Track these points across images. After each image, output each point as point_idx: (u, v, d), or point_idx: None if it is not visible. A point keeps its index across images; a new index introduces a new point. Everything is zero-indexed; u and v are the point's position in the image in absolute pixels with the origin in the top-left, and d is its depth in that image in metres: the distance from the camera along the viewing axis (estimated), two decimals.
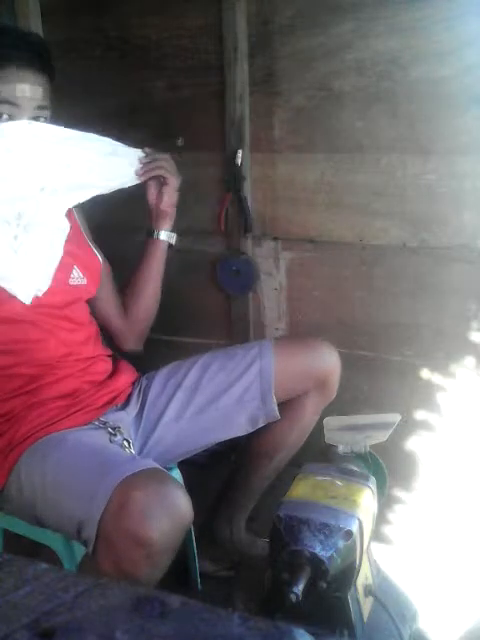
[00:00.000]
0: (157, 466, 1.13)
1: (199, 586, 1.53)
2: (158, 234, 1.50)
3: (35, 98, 1.22)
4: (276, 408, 1.43)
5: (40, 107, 1.24)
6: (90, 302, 1.46)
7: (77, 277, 1.37)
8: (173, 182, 1.44)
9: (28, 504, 1.19)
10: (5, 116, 1.21)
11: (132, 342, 1.58)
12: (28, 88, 1.20)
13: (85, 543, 1.09)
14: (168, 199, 1.45)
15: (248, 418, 1.44)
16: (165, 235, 1.50)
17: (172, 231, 1.51)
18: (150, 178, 1.41)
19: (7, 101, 1.20)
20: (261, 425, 1.45)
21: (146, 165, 1.39)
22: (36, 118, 1.23)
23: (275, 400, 1.43)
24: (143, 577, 1.02)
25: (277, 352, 1.45)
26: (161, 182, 1.43)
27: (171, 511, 1.03)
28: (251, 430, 1.46)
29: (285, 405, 1.46)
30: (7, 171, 1.20)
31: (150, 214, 1.49)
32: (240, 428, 1.45)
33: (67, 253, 1.33)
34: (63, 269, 1.33)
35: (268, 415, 1.44)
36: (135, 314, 1.55)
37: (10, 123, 1.20)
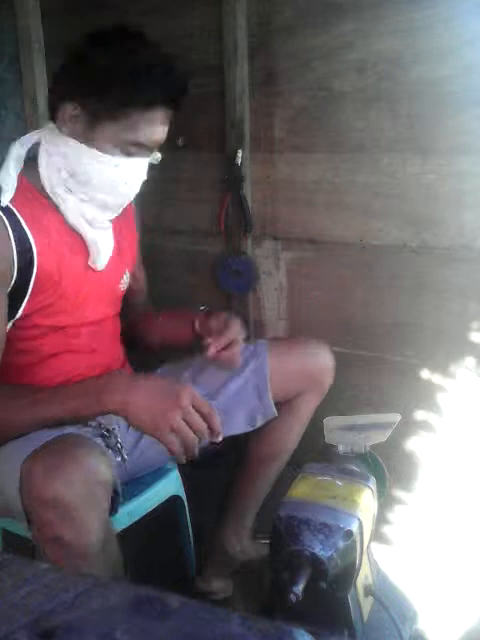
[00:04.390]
0: (71, 433, 1.11)
1: (193, 572, 1.53)
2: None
3: (163, 138, 1.19)
4: (273, 405, 1.44)
5: None
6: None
7: (124, 282, 1.39)
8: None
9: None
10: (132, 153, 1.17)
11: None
12: (165, 131, 1.17)
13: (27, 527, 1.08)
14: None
15: (246, 415, 1.44)
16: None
17: None
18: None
19: (142, 144, 1.16)
20: (260, 424, 1.46)
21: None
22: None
23: (271, 398, 1.43)
24: (72, 540, 1.00)
25: (271, 351, 1.47)
26: None
27: (77, 465, 1.01)
28: (250, 429, 1.46)
29: (281, 407, 1.47)
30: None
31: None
32: (238, 425, 1.45)
33: (122, 255, 1.35)
34: (116, 274, 1.35)
35: (266, 413, 1.44)
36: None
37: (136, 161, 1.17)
